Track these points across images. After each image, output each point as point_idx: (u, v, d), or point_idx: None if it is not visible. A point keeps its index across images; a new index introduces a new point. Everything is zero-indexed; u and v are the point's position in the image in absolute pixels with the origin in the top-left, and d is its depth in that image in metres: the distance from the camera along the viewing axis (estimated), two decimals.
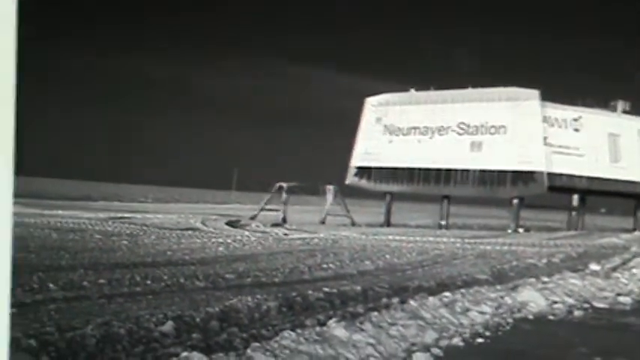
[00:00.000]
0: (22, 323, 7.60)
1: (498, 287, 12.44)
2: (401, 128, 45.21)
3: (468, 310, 9.89)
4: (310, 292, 10.80)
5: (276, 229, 31.37)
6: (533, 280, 13.70)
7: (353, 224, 41.92)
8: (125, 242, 20.27)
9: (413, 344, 7.87)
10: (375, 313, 8.70)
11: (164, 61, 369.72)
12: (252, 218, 40.08)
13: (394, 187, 45.16)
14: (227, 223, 33.47)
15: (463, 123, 42.86)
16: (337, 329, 7.50)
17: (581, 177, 41.51)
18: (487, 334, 8.97)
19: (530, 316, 10.58)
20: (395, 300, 10.45)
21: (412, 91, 45.97)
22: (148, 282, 12.25)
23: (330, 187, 43.41)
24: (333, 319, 8.18)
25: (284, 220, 39.77)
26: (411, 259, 19.69)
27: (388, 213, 45.72)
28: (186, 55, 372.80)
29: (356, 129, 47.13)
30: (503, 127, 41.39)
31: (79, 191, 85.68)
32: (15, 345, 6.12)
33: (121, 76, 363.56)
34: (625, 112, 44.20)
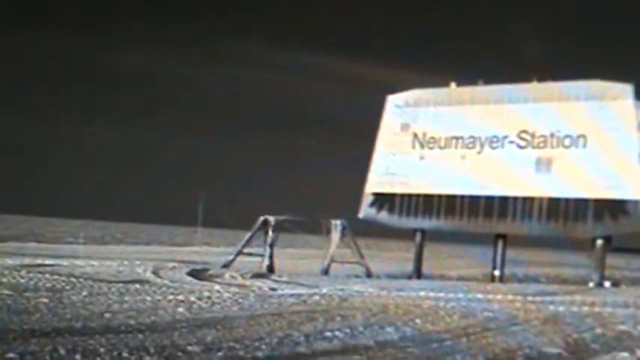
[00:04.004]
0: None
1: None
2: (437, 139, 45.19)
3: None
4: None
5: (259, 282, 31.31)
6: (625, 355, 13.65)
7: (369, 275, 41.83)
8: (45, 300, 20.23)
9: None
10: None
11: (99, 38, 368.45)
12: (226, 266, 40.02)
13: (427, 223, 45.03)
14: (189, 274, 33.41)
15: (525, 131, 42.83)
16: None
17: None
18: None
19: None
20: None
21: (453, 85, 46.02)
22: (77, 357, 12.21)
23: (337, 223, 43.36)
24: None
25: (270, 269, 39.70)
26: (450, 324, 19.63)
27: (419, 259, 45.55)
28: (138, 32, 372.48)
29: (374, 139, 47.08)
30: (582, 137, 41.34)
31: None
32: None
33: (34, 54, 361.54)
34: None
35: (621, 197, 39.88)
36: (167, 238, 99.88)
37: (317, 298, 25.39)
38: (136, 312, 18.88)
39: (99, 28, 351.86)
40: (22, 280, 25.65)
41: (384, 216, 45.90)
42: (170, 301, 21.96)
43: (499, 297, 28.22)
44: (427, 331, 17.98)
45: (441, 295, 28.33)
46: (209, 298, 23.36)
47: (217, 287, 27.81)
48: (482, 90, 44.80)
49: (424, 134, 45.50)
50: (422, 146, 45.54)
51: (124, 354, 12.64)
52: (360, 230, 46.08)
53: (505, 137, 43.27)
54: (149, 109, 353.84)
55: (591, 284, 40.22)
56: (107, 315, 17.99)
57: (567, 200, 40.99)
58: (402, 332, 17.51)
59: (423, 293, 28.75)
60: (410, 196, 45.15)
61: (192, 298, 22.79)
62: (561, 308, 25.19)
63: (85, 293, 22.76)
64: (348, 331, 17.10)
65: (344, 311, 21.42)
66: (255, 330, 16.56)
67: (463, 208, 43.61)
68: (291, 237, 46.53)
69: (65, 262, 35.26)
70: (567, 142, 41.64)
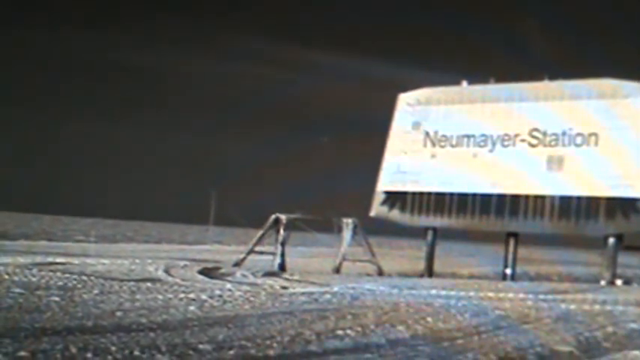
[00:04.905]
0: None
1: None
2: (448, 137, 45.14)
3: None
4: None
5: (270, 281, 31.31)
6: (636, 353, 13.62)
7: (380, 273, 41.82)
8: (56, 299, 20.25)
9: None
10: None
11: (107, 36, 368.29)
12: (237, 265, 40.05)
13: (439, 221, 44.98)
14: (201, 272, 33.42)
15: (537, 130, 42.77)
16: None
17: None
18: None
19: None
20: None
21: (464, 84, 45.97)
22: (89, 355, 12.22)
23: (349, 221, 43.37)
24: None
25: (282, 268, 39.69)
26: (462, 322, 19.61)
27: (430, 258, 45.52)
28: (147, 29, 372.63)
29: (386, 138, 47.02)
30: (594, 135, 41.26)
31: None
32: None
33: (42, 53, 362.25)
34: None
35: (633, 195, 39.79)
36: (178, 237, 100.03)
37: (328, 296, 25.39)
38: (148, 310, 18.90)
39: (99, 27, 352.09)
40: (34, 279, 25.69)
41: (395, 214, 45.86)
42: (181, 299, 21.97)
43: (510, 295, 28.20)
44: (438, 330, 17.96)
45: (453, 293, 28.32)
46: (220, 296, 23.36)
47: (229, 286, 27.82)
48: (493, 88, 44.74)
49: (435, 133, 45.46)
50: (433, 145, 45.49)
51: (136, 352, 12.64)
52: (372, 228, 46.11)
53: (516, 136, 43.20)
54: (156, 107, 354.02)
55: (603, 283, 40.17)
56: (118, 313, 18.01)
57: (579, 198, 40.92)
58: (413, 331, 17.50)
59: (434, 292, 28.74)
60: (421, 194, 45.10)
61: (204, 297, 22.80)
62: (573, 307, 25.16)
63: (96, 292, 22.80)
64: (359, 329, 17.10)
65: (355, 310, 21.42)
66: (267, 328, 16.57)
67: (474, 206, 43.55)
68: (302, 235, 46.51)
69: (76, 261, 35.32)
70: (579, 140, 41.56)
